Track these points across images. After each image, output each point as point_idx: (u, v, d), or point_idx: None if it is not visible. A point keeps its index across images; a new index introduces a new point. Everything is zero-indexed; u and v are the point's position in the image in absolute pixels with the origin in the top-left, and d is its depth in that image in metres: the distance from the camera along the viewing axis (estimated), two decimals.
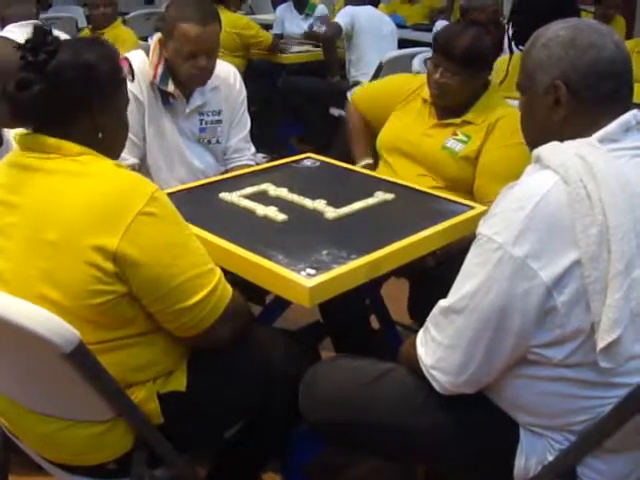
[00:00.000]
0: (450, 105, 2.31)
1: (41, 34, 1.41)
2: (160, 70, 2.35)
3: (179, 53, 2.28)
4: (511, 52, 3.02)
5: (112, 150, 1.51)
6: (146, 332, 1.46)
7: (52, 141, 1.40)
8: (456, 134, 2.29)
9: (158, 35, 2.39)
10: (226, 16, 4.16)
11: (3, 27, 3.00)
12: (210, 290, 1.43)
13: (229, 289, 1.49)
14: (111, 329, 1.42)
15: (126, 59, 1.55)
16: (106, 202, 1.35)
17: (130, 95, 1.60)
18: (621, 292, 1.19)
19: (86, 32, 4.65)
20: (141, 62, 2.36)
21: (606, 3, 5.59)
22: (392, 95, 2.51)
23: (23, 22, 3.01)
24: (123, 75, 1.53)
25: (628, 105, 1.35)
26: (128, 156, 2.29)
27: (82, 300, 1.35)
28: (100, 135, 1.46)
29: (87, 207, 1.34)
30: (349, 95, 2.68)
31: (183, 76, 2.34)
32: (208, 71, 2.36)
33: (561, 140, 1.33)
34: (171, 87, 2.37)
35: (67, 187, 1.38)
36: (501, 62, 3.19)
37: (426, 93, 2.37)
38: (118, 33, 4.38)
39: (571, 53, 1.32)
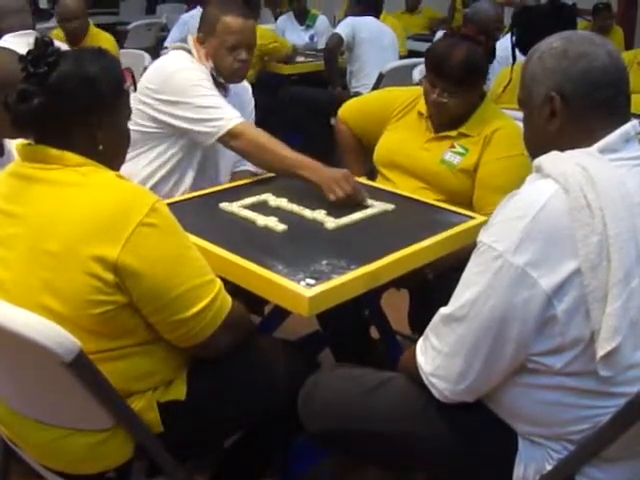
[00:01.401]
0: (449, 120, 2.31)
1: (42, 45, 1.41)
2: (211, 63, 2.39)
3: (222, 46, 2.34)
4: (513, 61, 3.02)
5: (113, 162, 1.51)
6: (146, 342, 1.46)
7: (54, 152, 1.40)
8: (453, 146, 2.29)
9: (193, 35, 2.43)
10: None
11: (0, 37, 3.01)
12: (210, 301, 1.43)
13: (229, 300, 1.49)
14: (111, 339, 1.42)
15: (128, 70, 1.55)
16: (107, 213, 1.35)
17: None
18: (620, 301, 1.20)
19: (57, 33, 4.50)
20: (190, 56, 2.40)
21: (604, 14, 5.62)
22: (381, 109, 2.49)
23: (20, 32, 3.03)
24: (125, 87, 1.53)
25: (627, 115, 1.35)
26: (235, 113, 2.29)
27: (82, 310, 1.36)
28: (100, 147, 1.46)
29: (88, 217, 1.35)
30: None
31: (226, 70, 2.38)
32: (247, 67, 2.42)
33: (560, 150, 1.33)
34: (221, 79, 2.42)
35: (68, 198, 1.38)
36: (503, 73, 3.21)
37: (422, 106, 2.35)
38: (98, 43, 4.32)
39: (564, 64, 1.34)
